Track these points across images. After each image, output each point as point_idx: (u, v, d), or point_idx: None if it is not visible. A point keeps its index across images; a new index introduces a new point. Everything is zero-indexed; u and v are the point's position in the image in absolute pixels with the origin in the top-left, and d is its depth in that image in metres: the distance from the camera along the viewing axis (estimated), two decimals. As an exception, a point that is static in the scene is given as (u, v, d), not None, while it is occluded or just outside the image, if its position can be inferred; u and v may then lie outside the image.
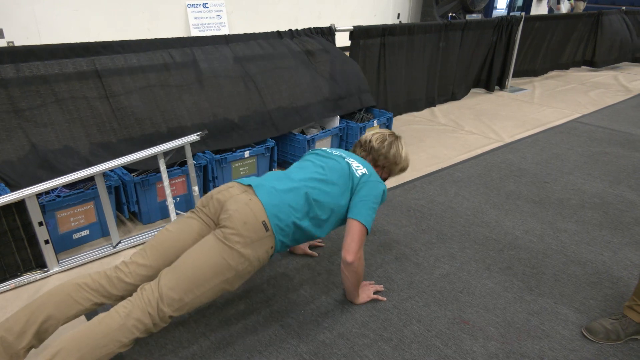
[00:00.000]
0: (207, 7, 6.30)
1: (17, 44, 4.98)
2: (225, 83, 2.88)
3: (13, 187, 2.12)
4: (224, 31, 6.45)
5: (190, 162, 2.42)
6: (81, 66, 2.45)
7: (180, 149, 2.40)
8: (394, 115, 4.48)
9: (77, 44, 2.47)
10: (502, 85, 5.75)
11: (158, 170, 2.45)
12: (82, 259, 2.16)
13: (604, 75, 6.84)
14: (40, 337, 1.44)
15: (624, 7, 7.30)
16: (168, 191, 2.37)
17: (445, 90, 5.07)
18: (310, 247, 2.28)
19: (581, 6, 9.71)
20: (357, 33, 3.86)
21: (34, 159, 2.25)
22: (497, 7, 12.68)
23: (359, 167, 1.84)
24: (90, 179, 2.29)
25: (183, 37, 2.84)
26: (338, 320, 1.82)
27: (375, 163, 2.01)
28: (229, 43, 3.03)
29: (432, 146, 3.79)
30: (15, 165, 2.21)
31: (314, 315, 1.85)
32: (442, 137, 4.00)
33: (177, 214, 2.53)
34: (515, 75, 5.99)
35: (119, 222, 2.53)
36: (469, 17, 8.51)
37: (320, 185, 1.72)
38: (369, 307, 1.90)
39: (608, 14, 6.85)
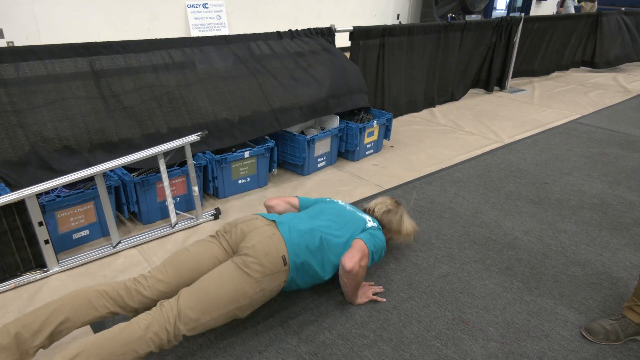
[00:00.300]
0: (207, 8, 6.30)
1: (16, 44, 4.98)
2: (224, 83, 2.88)
3: (13, 187, 2.12)
4: (224, 31, 6.45)
5: (190, 162, 2.42)
6: (81, 66, 2.45)
7: (180, 149, 2.40)
8: (394, 116, 4.49)
9: (77, 43, 2.47)
10: (501, 86, 5.76)
11: (158, 171, 2.45)
12: (82, 259, 2.16)
13: (603, 76, 6.85)
14: (53, 338, 1.46)
15: (623, 8, 7.31)
16: (168, 191, 2.37)
17: (444, 90, 5.08)
18: None
19: (588, 7, 9.54)
20: (357, 33, 3.86)
21: (34, 159, 2.25)
22: (497, 8, 12.70)
23: (369, 221, 2.01)
24: (90, 179, 2.29)
25: (183, 38, 2.85)
26: (338, 321, 1.83)
27: (382, 225, 2.14)
28: (229, 43, 3.03)
29: (432, 147, 3.79)
30: (15, 165, 2.21)
31: (313, 316, 1.85)
32: (441, 138, 4.01)
33: (176, 214, 2.54)
34: (514, 75, 6.00)
35: (119, 222, 2.53)
36: (468, 17, 8.52)
37: (335, 232, 1.86)
38: (369, 307, 1.91)
39: (607, 15, 6.86)
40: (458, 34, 4.84)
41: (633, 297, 1.77)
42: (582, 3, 9.62)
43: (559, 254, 2.32)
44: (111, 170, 2.43)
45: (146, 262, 2.19)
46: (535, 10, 12.02)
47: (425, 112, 4.78)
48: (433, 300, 1.96)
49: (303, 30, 3.45)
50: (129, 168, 2.49)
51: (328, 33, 3.61)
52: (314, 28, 3.53)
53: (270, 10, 6.97)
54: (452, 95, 5.18)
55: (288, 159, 3.18)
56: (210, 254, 1.71)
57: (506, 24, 5.31)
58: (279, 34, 3.29)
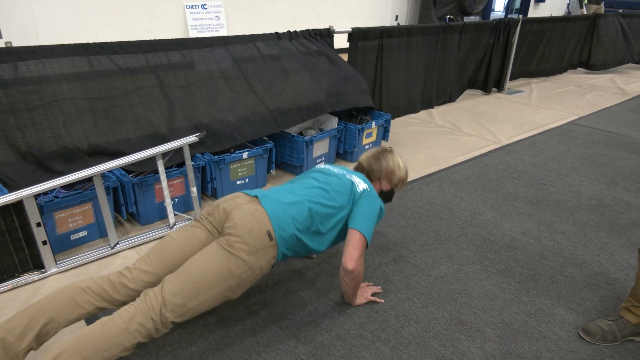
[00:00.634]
0: (206, 8, 6.30)
1: (15, 44, 4.97)
2: (223, 84, 2.88)
3: (11, 188, 2.12)
4: (223, 32, 6.45)
5: (189, 163, 2.42)
6: (79, 67, 2.45)
7: (179, 150, 2.40)
8: (392, 117, 4.50)
9: (75, 44, 2.47)
10: (499, 87, 5.77)
11: (156, 171, 2.45)
12: (80, 260, 2.16)
13: (600, 78, 6.87)
14: (40, 339, 1.44)
15: (620, 10, 7.34)
16: (166, 192, 2.37)
17: (443, 92, 5.09)
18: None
19: (593, 9, 9.45)
20: (356, 35, 3.87)
21: (32, 160, 2.25)
22: (495, 10, 12.73)
23: (360, 183, 1.88)
24: (89, 179, 2.29)
25: (182, 39, 2.85)
26: (336, 322, 1.83)
27: (371, 178, 2.03)
28: (228, 44, 3.03)
29: (430, 148, 3.80)
30: (13, 165, 2.20)
31: (312, 317, 1.85)
32: (439, 139, 4.02)
33: (175, 214, 2.53)
34: (512, 77, 6.01)
35: (117, 223, 2.53)
36: (466, 19, 8.54)
37: (323, 200, 1.76)
38: (367, 308, 1.91)
39: (604, 17, 6.89)
40: (456, 36, 4.85)
41: (630, 297, 1.78)
42: (587, 4, 9.61)
43: (556, 255, 2.33)
44: (109, 171, 2.43)
45: (144, 263, 2.19)
46: (534, 12, 12.06)
47: (423, 114, 4.79)
48: (431, 301, 1.96)
49: (302, 31, 3.46)
50: (127, 169, 2.48)
51: (327, 34, 3.61)
52: (312, 29, 3.53)
53: (269, 11, 6.98)
54: (451, 96, 5.19)
55: (286, 160, 3.18)
56: (195, 239, 1.67)
57: (504, 26, 5.33)
58: (277, 35, 3.30)
